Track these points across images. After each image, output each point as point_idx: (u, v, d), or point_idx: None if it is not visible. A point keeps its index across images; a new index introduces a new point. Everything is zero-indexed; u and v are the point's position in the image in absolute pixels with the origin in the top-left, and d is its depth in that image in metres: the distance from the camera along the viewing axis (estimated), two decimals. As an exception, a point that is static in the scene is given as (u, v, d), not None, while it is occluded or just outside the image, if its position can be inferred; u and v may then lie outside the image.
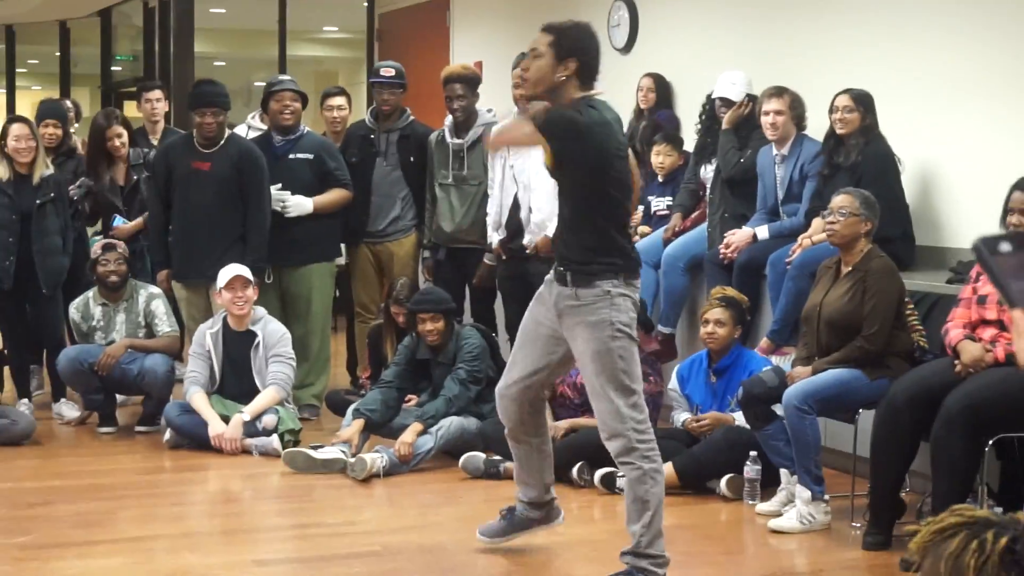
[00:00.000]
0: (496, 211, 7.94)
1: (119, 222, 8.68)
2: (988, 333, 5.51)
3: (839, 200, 6.06)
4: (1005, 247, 2.31)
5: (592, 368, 4.94)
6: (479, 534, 5.59)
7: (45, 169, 8.18)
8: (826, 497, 5.90)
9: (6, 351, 8.45)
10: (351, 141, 8.69)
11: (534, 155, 6.59)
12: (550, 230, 7.06)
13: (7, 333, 7.70)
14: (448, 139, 8.29)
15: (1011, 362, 5.36)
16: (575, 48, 4.90)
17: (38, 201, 8.08)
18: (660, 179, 8.37)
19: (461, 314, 8.04)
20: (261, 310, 7.71)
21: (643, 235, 8.22)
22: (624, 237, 5.06)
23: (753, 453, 6.21)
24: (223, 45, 16.57)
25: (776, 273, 7.01)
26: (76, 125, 10.13)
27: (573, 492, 6.42)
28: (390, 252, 8.62)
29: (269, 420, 7.36)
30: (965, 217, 7.02)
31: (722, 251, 7.37)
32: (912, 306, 6.17)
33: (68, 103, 9.84)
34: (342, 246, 8.76)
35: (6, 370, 8.51)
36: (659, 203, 8.33)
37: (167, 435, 7.56)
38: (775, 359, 6.70)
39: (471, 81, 8.24)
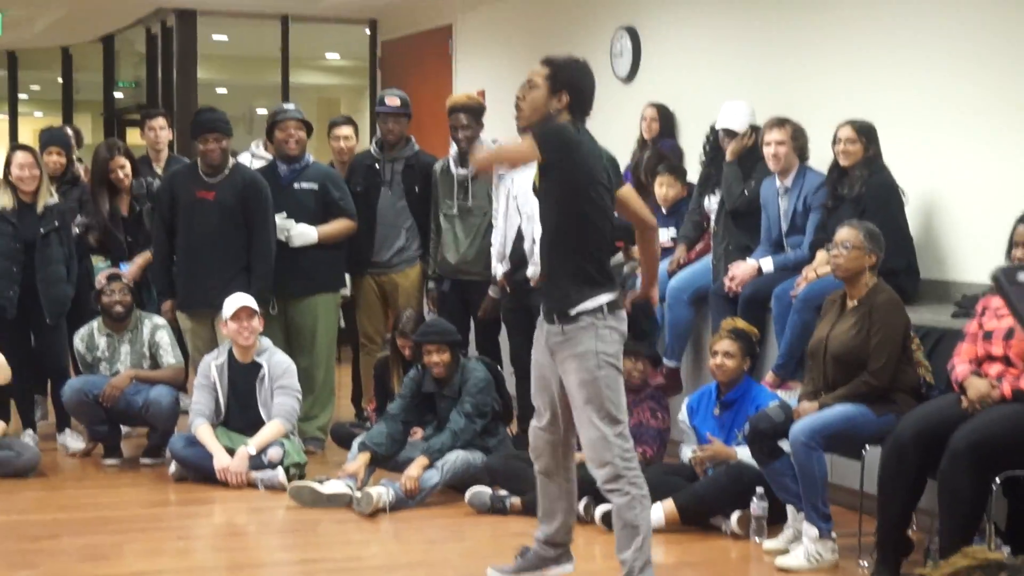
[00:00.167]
0: (500, 242, 7.94)
1: (124, 268, 8.61)
2: (994, 369, 5.51)
3: (843, 233, 6.06)
4: (1023, 277, 2.37)
5: (579, 397, 5.10)
6: (490, 570, 5.60)
7: (49, 198, 8.18)
8: (833, 535, 5.88)
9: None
10: (356, 170, 8.68)
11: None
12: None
13: (11, 363, 7.69)
14: (453, 169, 8.29)
15: (1018, 398, 5.37)
16: (568, 82, 5.14)
17: (42, 230, 8.08)
18: (664, 210, 8.37)
19: (466, 346, 8.03)
20: (266, 341, 7.71)
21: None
22: (606, 268, 5.18)
23: (760, 489, 6.20)
24: (225, 72, 16.61)
25: (781, 306, 7.01)
26: (78, 152, 10.12)
27: (578, 527, 6.38)
28: (395, 283, 8.62)
29: (274, 453, 7.36)
30: (970, 250, 7.02)
31: (727, 284, 7.37)
32: (918, 341, 6.17)
33: (69, 130, 9.84)
34: (347, 276, 8.76)
35: (11, 403, 8.49)
36: (663, 235, 8.31)
37: (172, 467, 7.56)
38: (781, 394, 6.69)
39: (476, 111, 8.25)
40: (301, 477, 7.27)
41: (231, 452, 7.37)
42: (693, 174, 8.39)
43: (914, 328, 6.16)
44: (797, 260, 7.22)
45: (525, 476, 6.07)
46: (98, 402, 7.79)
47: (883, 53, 7.59)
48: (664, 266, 8.07)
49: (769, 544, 6.12)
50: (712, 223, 7.93)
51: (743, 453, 6.39)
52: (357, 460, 7.06)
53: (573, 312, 5.10)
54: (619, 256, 8.48)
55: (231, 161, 8.19)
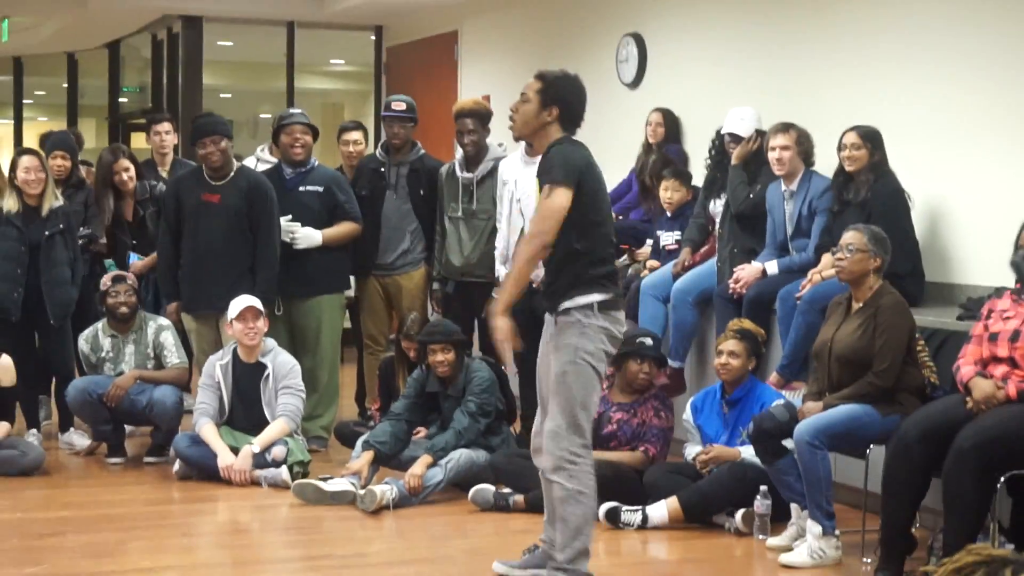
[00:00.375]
0: (504, 245, 7.95)
1: (134, 259, 8.70)
2: (1000, 370, 5.51)
3: (848, 236, 6.09)
4: None
5: (552, 387, 5.23)
6: (496, 563, 5.64)
7: (54, 201, 8.21)
8: (837, 532, 5.89)
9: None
10: (362, 174, 8.72)
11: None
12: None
13: (16, 364, 7.71)
14: (458, 173, 8.32)
15: (1022, 399, 5.38)
16: (559, 97, 5.29)
17: (47, 232, 8.11)
18: (669, 214, 8.39)
19: (470, 347, 8.05)
20: (271, 342, 7.73)
21: (652, 269, 8.25)
22: (606, 268, 5.26)
23: (764, 488, 6.21)
24: (231, 77, 16.61)
25: (786, 308, 7.03)
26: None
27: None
28: (399, 285, 8.65)
29: (278, 451, 7.37)
30: (975, 253, 7.04)
31: (731, 286, 7.39)
32: (923, 342, 6.19)
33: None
34: (351, 278, 8.78)
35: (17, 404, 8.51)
36: (668, 238, 8.35)
37: (176, 466, 7.57)
38: (785, 394, 6.71)
39: (483, 116, 8.28)
40: (305, 475, 7.28)
41: (235, 451, 7.38)
42: (698, 178, 8.43)
43: (919, 330, 6.18)
44: (802, 263, 7.23)
45: (529, 474, 6.07)
46: (102, 402, 7.81)
47: (888, 59, 7.61)
48: (669, 268, 8.11)
49: (773, 541, 6.13)
50: (717, 226, 7.95)
51: (747, 452, 6.41)
52: (361, 458, 7.08)
53: (563, 307, 5.21)
54: (623, 258, 8.53)
55: (235, 164, 8.21)
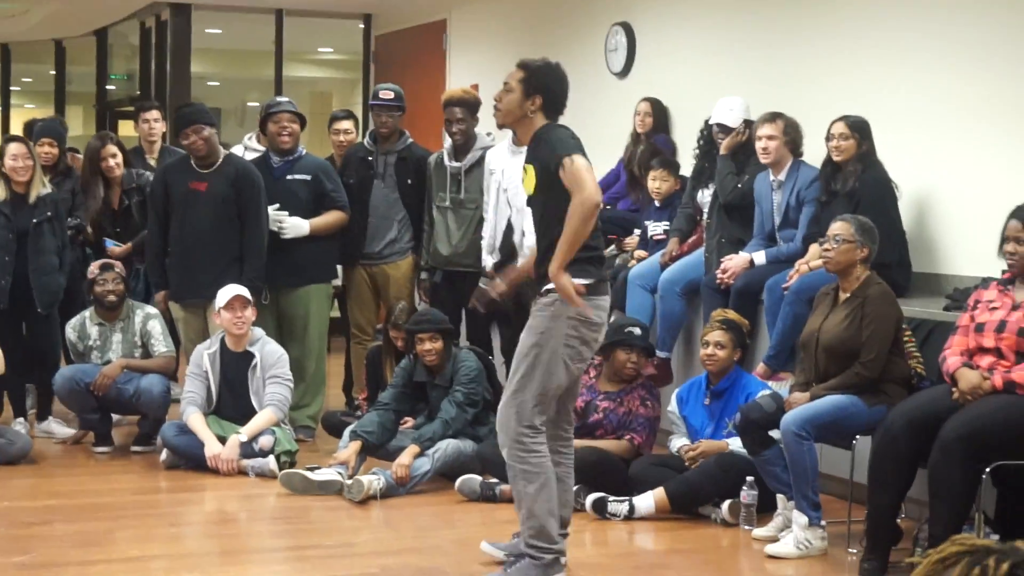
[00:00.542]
0: (491, 234, 7.96)
1: (110, 244, 8.69)
2: (986, 361, 5.52)
3: (835, 227, 6.09)
4: None
5: (515, 363, 5.30)
6: (484, 543, 5.70)
7: (42, 188, 8.18)
8: (823, 523, 5.91)
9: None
10: (349, 163, 8.71)
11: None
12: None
13: (3, 352, 7.70)
14: (446, 162, 8.31)
15: (1008, 390, 5.39)
16: (541, 86, 5.32)
17: (35, 220, 8.09)
18: (657, 204, 8.40)
19: (457, 337, 8.05)
20: (259, 331, 7.72)
21: (640, 259, 8.25)
22: (588, 253, 5.22)
23: (750, 478, 6.23)
24: (219, 65, 16.57)
25: (773, 298, 7.04)
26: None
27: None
28: (386, 274, 8.64)
29: (266, 441, 7.37)
30: (961, 244, 7.05)
31: (719, 276, 7.40)
32: (909, 333, 6.20)
33: (55, 121, 9.83)
34: (339, 268, 8.77)
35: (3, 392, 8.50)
36: (656, 228, 8.35)
37: (163, 455, 7.57)
38: (772, 384, 6.72)
39: (471, 105, 8.27)
40: (292, 465, 7.28)
41: (222, 440, 7.38)
42: (686, 168, 8.43)
43: (906, 321, 6.19)
44: (789, 253, 7.24)
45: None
46: (89, 390, 7.79)
47: (877, 49, 7.62)
48: (656, 258, 8.11)
49: (759, 532, 6.15)
50: (705, 216, 7.96)
51: (735, 444, 6.42)
52: (348, 448, 7.08)
53: (544, 289, 5.23)
54: (611, 248, 8.54)
55: (223, 151, 8.19)
